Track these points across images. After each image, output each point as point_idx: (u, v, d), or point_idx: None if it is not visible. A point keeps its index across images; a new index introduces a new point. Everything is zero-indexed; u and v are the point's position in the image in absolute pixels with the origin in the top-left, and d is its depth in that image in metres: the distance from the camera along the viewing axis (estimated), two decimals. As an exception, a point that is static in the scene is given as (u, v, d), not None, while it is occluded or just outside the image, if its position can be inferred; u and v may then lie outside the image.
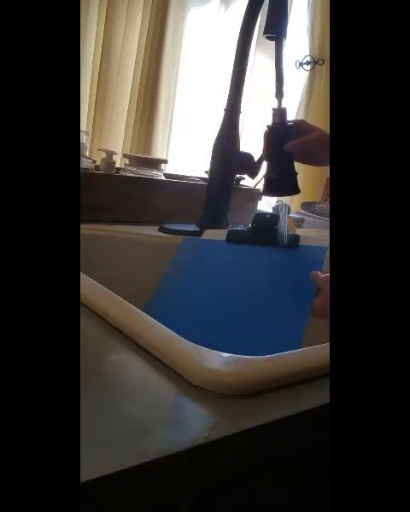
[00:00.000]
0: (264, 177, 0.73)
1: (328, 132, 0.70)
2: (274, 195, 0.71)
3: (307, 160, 0.74)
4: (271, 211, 0.72)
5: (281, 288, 0.62)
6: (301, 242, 0.68)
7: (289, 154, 0.70)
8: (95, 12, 1.44)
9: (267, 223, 0.70)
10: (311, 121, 0.74)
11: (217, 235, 0.75)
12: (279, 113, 0.69)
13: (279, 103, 0.69)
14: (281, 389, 0.36)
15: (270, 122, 0.71)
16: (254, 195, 1.06)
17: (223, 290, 0.63)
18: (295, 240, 0.69)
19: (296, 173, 0.71)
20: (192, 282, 0.66)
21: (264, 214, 0.72)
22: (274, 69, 0.70)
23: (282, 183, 0.71)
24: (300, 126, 0.71)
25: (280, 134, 0.69)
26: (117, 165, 0.95)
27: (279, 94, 0.69)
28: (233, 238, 0.72)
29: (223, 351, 0.39)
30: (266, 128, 0.71)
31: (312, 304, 0.56)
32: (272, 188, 0.71)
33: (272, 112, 0.70)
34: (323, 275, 0.58)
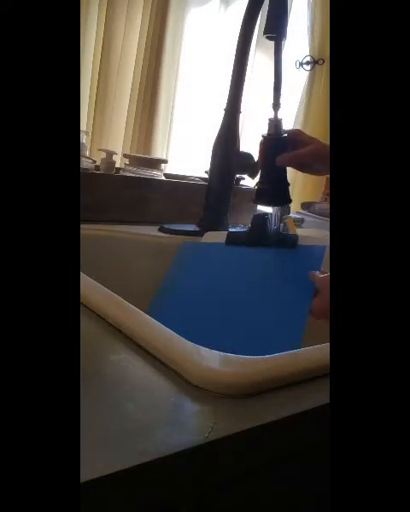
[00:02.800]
0: (256, 185, 0.73)
1: (324, 143, 0.69)
2: (264, 205, 0.71)
3: (303, 169, 0.73)
4: (271, 211, 0.72)
5: (280, 289, 0.62)
6: (300, 242, 0.68)
7: (282, 166, 0.69)
8: (95, 12, 1.44)
9: (265, 224, 0.70)
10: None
11: (217, 237, 0.75)
12: (275, 124, 0.69)
13: (275, 114, 0.68)
14: (281, 389, 0.36)
15: (266, 132, 0.70)
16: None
17: (223, 292, 0.63)
18: (293, 240, 0.69)
19: (288, 184, 0.71)
20: (192, 284, 0.66)
21: (262, 215, 0.72)
22: (270, 73, 0.69)
23: (273, 194, 0.70)
24: (296, 137, 0.70)
25: (274, 145, 0.69)
26: (117, 165, 0.95)
27: (276, 105, 0.68)
28: (232, 240, 0.72)
29: (223, 351, 0.39)
30: (261, 138, 0.70)
31: (311, 304, 0.55)
32: (262, 198, 0.71)
33: (268, 122, 0.69)
34: (321, 275, 0.58)
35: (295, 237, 0.69)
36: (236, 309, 0.59)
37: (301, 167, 0.72)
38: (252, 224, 0.72)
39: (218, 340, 0.53)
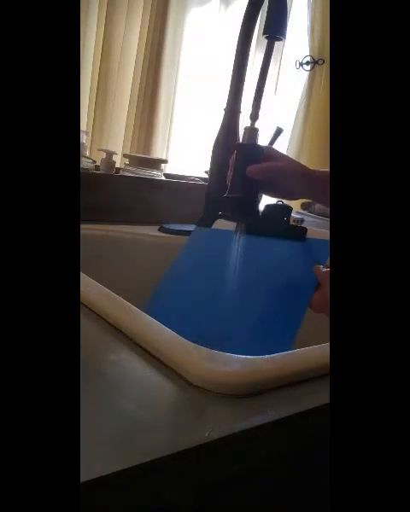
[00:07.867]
0: (225, 197, 0.64)
1: (296, 161, 0.66)
2: (230, 219, 0.64)
3: (270, 189, 0.68)
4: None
5: (283, 281, 0.62)
6: (309, 235, 0.68)
7: (253, 177, 0.63)
8: (95, 12, 1.44)
9: (277, 214, 0.69)
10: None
11: (228, 224, 0.74)
12: (250, 133, 0.64)
13: (252, 124, 0.64)
14: (281, 389, 0.36)
15: (241, 141, 0.66)
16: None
17: (226, 280, 0.63)
18: (302, 232, 0.68)
19: (260, 199, 0.65)
20: (197, 271, 0.66)
21: (273, 205, 0.71)
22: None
23: (243, 203, 0.63)
24: (268, 153, 0.65)
25: (247, 153, 0.64)
26: (117, 165, 0.95)
27: (255, 116, 0.63)
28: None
29: (223, 350, 0.39)
30: (235, 145, 0.67)
31: (311, 298, 0.55)
32: (229, 208, 0.63)
33: (243, 131, 0.66)
34: (324, 269, 0.58)
35: (305, 230, 0.69)
36: (236, 299, 0.60)
37: (268, 185, 0.66)
38: (263, 213, 0.71)
39: (215, 331, 0.53)
